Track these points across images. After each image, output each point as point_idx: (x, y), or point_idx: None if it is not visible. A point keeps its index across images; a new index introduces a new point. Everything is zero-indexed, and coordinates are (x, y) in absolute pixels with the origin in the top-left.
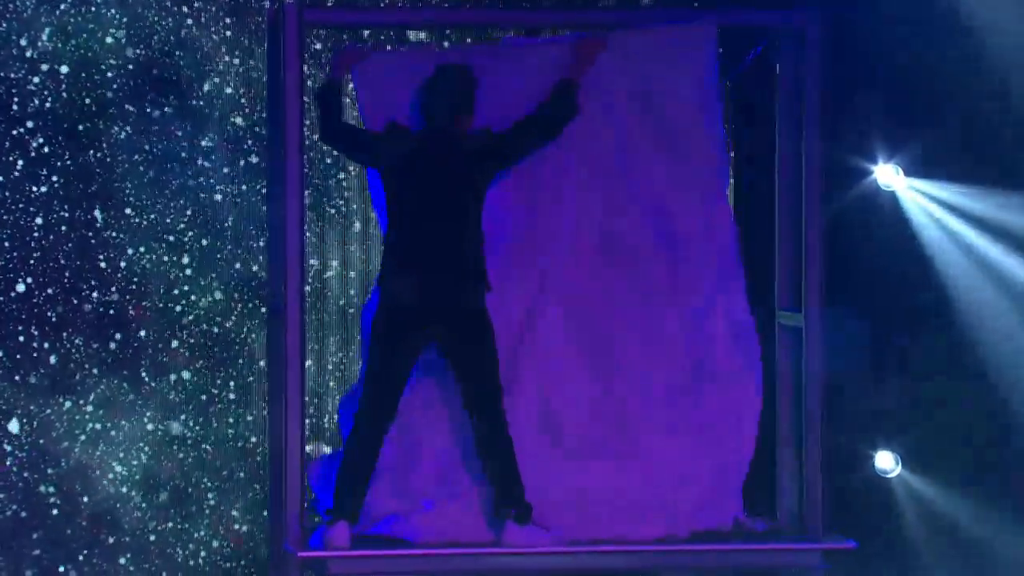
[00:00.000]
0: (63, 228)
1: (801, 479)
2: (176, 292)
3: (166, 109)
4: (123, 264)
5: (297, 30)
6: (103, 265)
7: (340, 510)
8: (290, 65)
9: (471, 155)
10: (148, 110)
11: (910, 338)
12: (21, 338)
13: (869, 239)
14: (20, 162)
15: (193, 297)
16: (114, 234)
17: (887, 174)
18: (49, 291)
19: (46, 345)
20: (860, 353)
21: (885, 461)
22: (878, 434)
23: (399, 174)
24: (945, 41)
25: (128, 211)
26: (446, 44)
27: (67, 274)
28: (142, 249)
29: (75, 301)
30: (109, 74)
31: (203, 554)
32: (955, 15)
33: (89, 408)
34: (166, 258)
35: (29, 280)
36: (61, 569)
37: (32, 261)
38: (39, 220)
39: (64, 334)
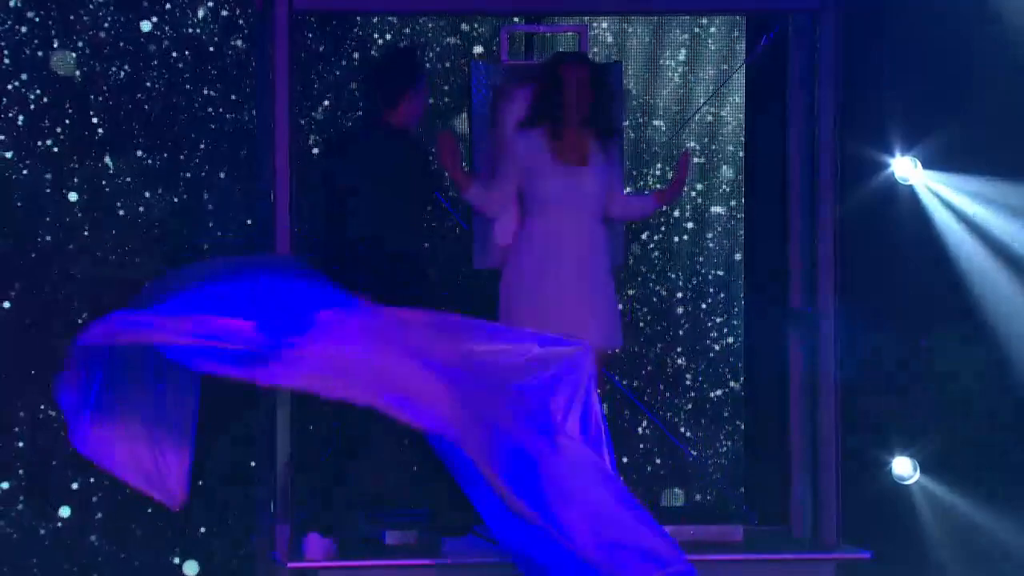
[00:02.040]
0: (75, 179)
1: (815, 486)
2: (201, 230)
3: (164, 42)
4: (142, 209)
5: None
6: (122, 212)
7: (313, 520)
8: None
9: None
10: (144, 44)
11: (928, 338)
12: (48, 299)
13: (886, 235)
14: (21, 117)
15: (219, 233)
16: (128, 179)
17: (905, 167)
18: (71, 247)
19: (75, 303)
20: (876, 354)
21: (903, 467)
22: (896, 438)
23: None
24: (965, 30)
25: (139, 153)
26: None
27: (86, 227)
28: (160, 191)
29: (99, 253)
30: (100, 13)
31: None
32: (975, 2)
33: None
34: (186, 196)
35: (48, 238)
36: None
37: (48, 217)
38: (48, 175)
39: (91, 290)
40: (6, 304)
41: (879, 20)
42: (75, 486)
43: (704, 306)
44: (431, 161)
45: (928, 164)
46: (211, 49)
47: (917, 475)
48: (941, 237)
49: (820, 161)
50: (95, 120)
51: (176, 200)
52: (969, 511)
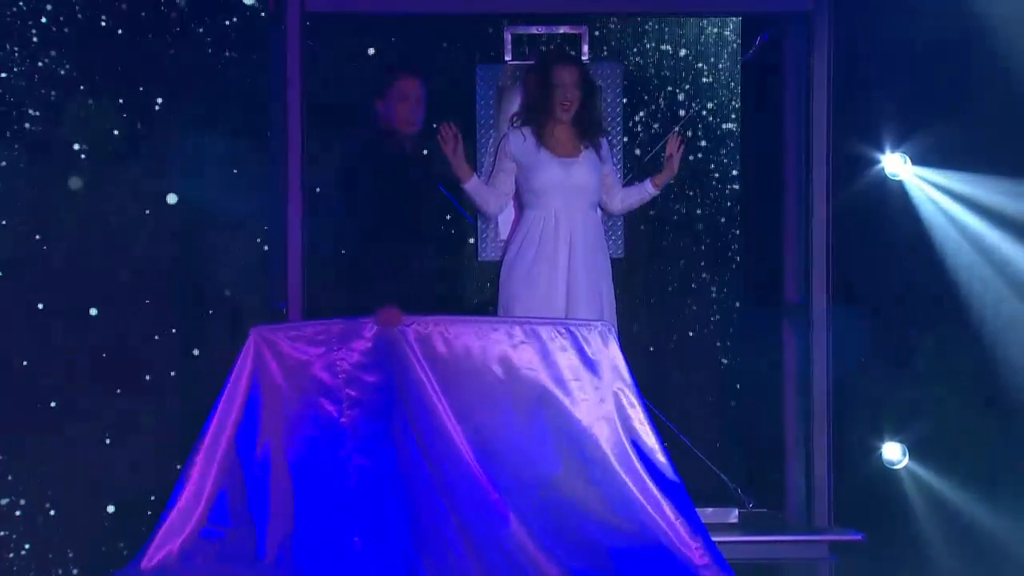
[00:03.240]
0: (111, 144)
1: (808, 471)
2: (233, 187)
3: (183, 8)
4: (178, 167)
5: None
6: (157, 179)
7: None
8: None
9: None
10: (163, 10)
11: (917, 328)
12: (101, 263)
13: (877, 228)
14: (53, 93)
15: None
16: (159, 143)
17: (895, 163)
18: (114, 212)
19: (119, 255)
20: (867, 344)
21: (892, 452)
22: (885, 425)
23: None
24: (954, 29)
25: (168, 117)
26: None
27: (124, 192)
28: (184, 168)
29: (142, 206)
30: None
31: None
32: (964, 2)
33: (174, 329)
34: (216, 150)
35: (86, 206)
36: None
37: (86, 184)
38: (85, 144)
39: (136, 250)
40: (93, 311)
41: (870, 20)
42: None
43: (723, 220)
44: (426, 169)
45: (917, 160)
46: (228, 7)
47: (906, 460)
48: (929, 230)
49: (814, 158)
50: (121, 87)
51: (207, 153)
52: (954, 495)
